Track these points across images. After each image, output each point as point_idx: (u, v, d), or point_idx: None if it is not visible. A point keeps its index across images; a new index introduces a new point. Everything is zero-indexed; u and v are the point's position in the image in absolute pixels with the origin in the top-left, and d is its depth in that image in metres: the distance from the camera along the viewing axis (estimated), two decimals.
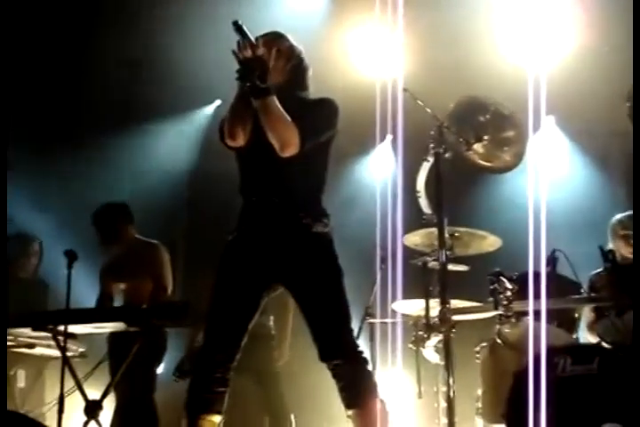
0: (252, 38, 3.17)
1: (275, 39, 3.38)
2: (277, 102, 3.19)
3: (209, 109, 6.71)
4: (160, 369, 4.91)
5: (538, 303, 3.47)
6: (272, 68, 3.21)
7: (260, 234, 3.31)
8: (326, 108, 3.34)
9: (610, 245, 4.73)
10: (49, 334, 4.06)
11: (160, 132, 6.57)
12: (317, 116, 3.29)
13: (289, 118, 3.19)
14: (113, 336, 4.61)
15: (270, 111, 3.18)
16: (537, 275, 3.52)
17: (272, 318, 4.94)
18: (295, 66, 3.40)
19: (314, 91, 3.46)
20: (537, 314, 3.67)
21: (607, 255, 4.03)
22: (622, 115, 4.10)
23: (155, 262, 4.88)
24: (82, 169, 6.20)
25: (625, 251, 4.68)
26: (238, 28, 3.14)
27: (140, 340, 4.02)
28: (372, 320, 4.63)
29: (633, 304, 3.53)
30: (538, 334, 3.48)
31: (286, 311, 4.93)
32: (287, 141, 3.19)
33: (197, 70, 5.98)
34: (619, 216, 4.84)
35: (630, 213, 4.81)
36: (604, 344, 3.99)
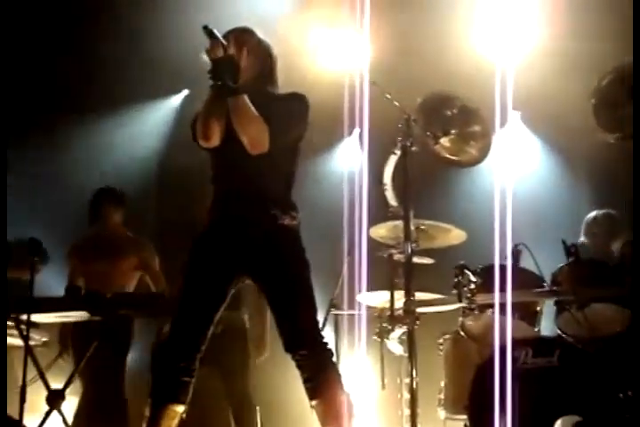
0: (223, 40, 3.18)
1: (242, 35, 3.38)
2: (248, 101, 3.20)
3: (177, 99, 6.68)
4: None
5: (501, 296, 3.51)
6: (240, 59, 3.23)
7: (229, 226, 3.32)
8: (297, 105, 3.34)
9: (582, 239, 4.83)
10: (11, 323, 4.03)
11: (129, 121, 6.52)
12: (288, 114, 3.29)
13: (259, 117, 3.19)
14: (75, 325, 4.58)
15: (241, 110, 3.19)
16: (501, 268, 3.56)
17: (247, 312, 4.91)
18: (263, 61, 3.40)
19: (283, 84, 3.46)
20: (500, 307, 3.71)
21: (570, 249, 4.09)
22: (587, 111, 4.15)
23: (151, 263, 4.89)
24: (50, 157, 6.14)
25: (591, 247, 4.77)
26: (209, 32, 3.16)
27: (102, 329, 4.01)
28: (336, 312, 4.65)
29: (629, 299, 3.59)
30: (501, 326, 3.52)
31: (264, 306, 4.90)
32: (257, 141, 3.21)
33: (166, 59, 5.95)
34: (594, 213, 4.93)
35: (605, 211, 4.91)
36: (565, 337, 4.05)
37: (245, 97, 3.19)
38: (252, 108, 3.20)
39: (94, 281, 4.82)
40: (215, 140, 3.28)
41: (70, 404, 4.44)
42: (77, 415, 4.64)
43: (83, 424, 4.56)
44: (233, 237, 3.29)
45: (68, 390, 3.99)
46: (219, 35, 3.18)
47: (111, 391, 4.60)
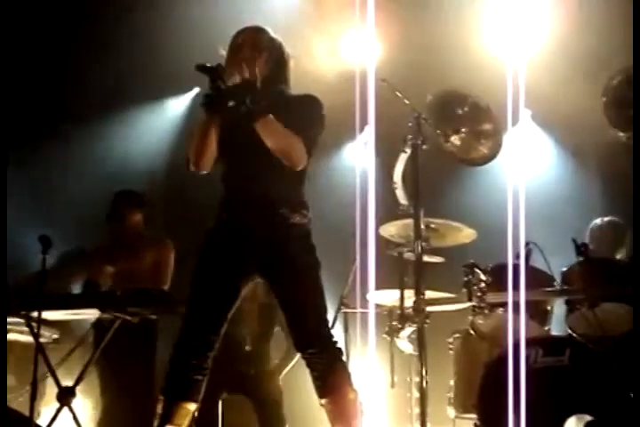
0: (221, 68, 3.14)
1: (254, 34, 3.38)
2: (275, 120, 3.17)
3: (187, 97, 6.68)
4: None
5: (513, 295, 3.50)
6: (252, 63, 3.22)
7: (239, 224, 3.31)
8: (316, 111, 3.34)
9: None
10: (22, 320, 4.04)
11: (137, 121, 6.52)
12: (311, 122, 3.31)
13: (290, 132, 3.18)
14: (99, 324, 4.57)
15: (272, 131, 3.17)
16: (512, 267, 3.54)
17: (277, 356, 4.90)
18: (275, 60, 3.38)
19: (294, 81, 3.45)
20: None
21: (580, 248, 4.07)
22: (599, 109, 4.14)
23: (165, 262, 4.91)
24: (57, 156, 6.15)
25: (596, 254, 4.73)
26: (203, 68, 3.11)
27: (114, 326, 4.03)
28: (346, 310, 4.65)
29: (633, 301, 3.57)
30: (512, 325, 3.51)
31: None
32: (297, 158, 3.22)
33: (176, 57, 5.94)
34: (598, 221, 4.90)
35: (610, 218, 4.88)
36: (576, 336, 4.04)
37: (271, 116, 3.16)
38: (280, 125, 3.17)
39: (117, 280, 4.85)
40: (208, 168, 3.30)
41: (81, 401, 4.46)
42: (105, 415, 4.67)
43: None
44: (242, 236, 3.29)
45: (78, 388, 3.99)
46: (213, 65, 3.13)
47: (140, 395, 4.59)
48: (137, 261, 4.89)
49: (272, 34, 3.43)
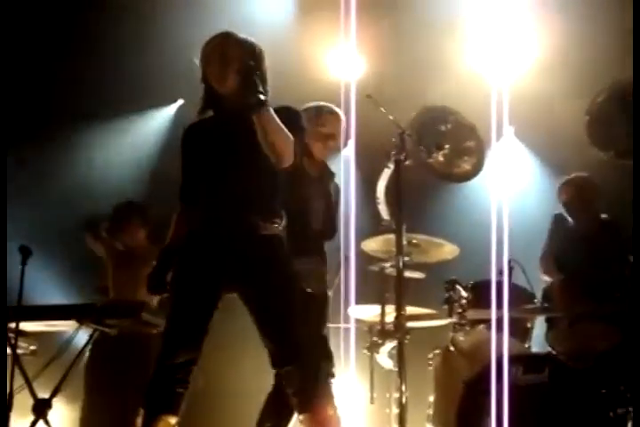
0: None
1: (219, 44, 3.31)
2: (274, 113, 3.14)
3: (171, 108, 6.67)
4: None
5: (492, 312, 3.50)
6: (222, 78, 3.23)
7: (210, 235, 3.26)
8: (299, 121, 3.32)
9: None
10: None
11: (121, 131, 6.50)
12: (296, 129, 3.25)
13: (285, 129, 3.14)
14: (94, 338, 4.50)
15: (270, 124, 3.12)
16: (492, 284, 3.55)
17: None
18: (246, 67, 3.22)
19: (283, 96, 3.42)
20: (489, 322, 3.70)
21: (561, 266, 4.09)
22: (582, 126, 4.16)
23: None
24: (39, 165, 6.13)
25: (571, 215, 4.71)
26: None
27: (92, 338, 4.01)
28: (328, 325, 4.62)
29: (629, 312, 3.58)
30: (491, 342, 3.51)
31: None
32: (288, 155, 3.16)
33: (160, 69, 5.95)
34: (563, 180, 4.88)
35: (575, 175, 4.87)
36: (556, 354, 4.04)
37: (271, 109, 3.13)
38: (278, 120, 3.13)
39: (122, 290, 4.80)
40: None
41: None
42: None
43: None
44: (215, 248, 3.23)
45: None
46: None
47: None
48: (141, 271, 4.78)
49: (240, 37, 3.34)
